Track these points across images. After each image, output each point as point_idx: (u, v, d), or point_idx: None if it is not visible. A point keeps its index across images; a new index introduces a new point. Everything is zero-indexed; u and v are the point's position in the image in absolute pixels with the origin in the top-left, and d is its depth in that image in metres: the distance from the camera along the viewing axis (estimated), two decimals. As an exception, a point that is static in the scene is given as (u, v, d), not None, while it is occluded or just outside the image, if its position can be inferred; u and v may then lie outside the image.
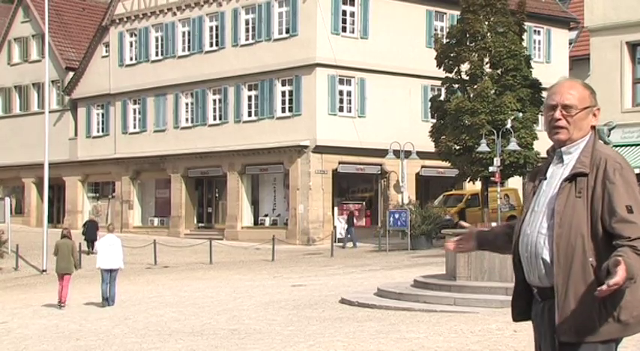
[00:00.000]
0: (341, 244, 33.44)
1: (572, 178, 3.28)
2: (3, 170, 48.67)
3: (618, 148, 21.44)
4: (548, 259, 3.27)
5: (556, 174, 3.37)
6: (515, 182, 36.53)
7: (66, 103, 46.56)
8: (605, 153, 3.31)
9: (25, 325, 14.68)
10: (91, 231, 33.31)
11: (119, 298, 18.18)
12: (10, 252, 29.10)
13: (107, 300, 17.06)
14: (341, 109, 36.54)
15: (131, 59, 43.19)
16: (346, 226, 34.62)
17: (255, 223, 38.69)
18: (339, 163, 36.39)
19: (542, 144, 33.09)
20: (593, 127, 3.41)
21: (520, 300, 3.44)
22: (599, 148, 3.34)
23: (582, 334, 3.18)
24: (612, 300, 3.16)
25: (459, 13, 32.42)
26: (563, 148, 3.37)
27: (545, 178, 3.40)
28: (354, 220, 34.66)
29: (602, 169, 3.25)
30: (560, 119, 3.36)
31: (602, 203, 3.22)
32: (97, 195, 46.25)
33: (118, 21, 43.49)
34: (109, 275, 17.13)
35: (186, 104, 40.94)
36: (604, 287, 3.00)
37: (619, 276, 2.99)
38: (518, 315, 3.48)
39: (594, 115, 3.41)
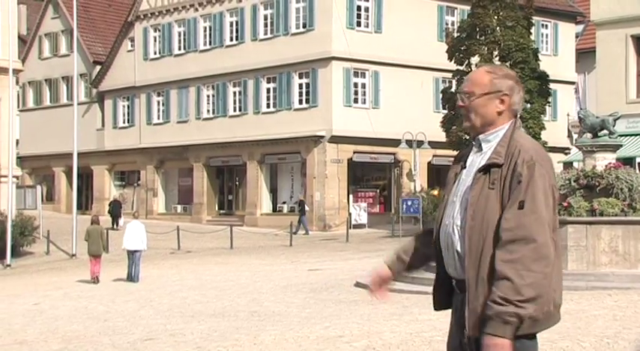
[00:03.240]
0: (293, 231, 32.84)
1: (486, 168, 3.01)
2: (34, 160, 48.95)
3: (623, 137, 21.25)
4: (461, 251, 3.04)
5: (474, 163, 3.12)
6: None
7: (93, 96, 46.72)
8: (520, 143, 3.02)
9: (56, 306, 14.77)
10: (115, 209, 36.80)
11: (145, 281, 18.43)
12: (42, 237, 29.29)
13: (132, 278, 18.55)
14: (356, 100, 36.46)
15: (155, 53, 43.25)
16: (299, 214, 34.09)
17: (274, 209, 38.73)
18: (354, 152, 36.33)
19: (550, 134, 33.02)
20: (514, 115, 3.11)
21: (441, 290, 3.21)
22: (517, 137, 3.05)
23: None
24: None
25: (469, 7, 32.22)
26: (481, 136, 3.11)
27: (465, 167, 3.15)
28: (306, 207, 34.57)
29: (515, 160, 2.98)
30: (461, 106, 3.15)
31: (510, 195, 2.94)
32: (123, 183, 46.44)
33: (142, 17, 43.53)
34: (134, 256, 18.68)
35: (208, 96, 40.98)
36: None
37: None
38: (439, 305, 3.26)
39: (502, 101, 3.09)
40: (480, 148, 3.13)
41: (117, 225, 34.94)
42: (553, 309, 2.97)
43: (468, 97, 3.13)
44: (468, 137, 31.17)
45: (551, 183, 2.99)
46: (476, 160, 3.13)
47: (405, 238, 29.26)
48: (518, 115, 3.23)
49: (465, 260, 3.01)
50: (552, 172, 3.04)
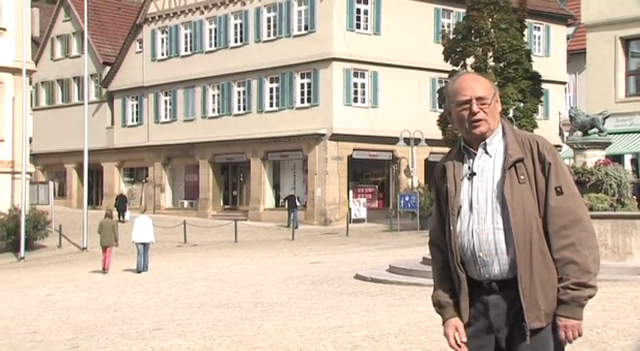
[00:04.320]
0: (289, 225, 32.41)
1: (510, 166, 3.04)
2: (47, 157, 48.98)
3: (612, 135, 21.24)
4: (509, 250, 3.02)
5: (487, 168, 3.10)
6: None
7: (103, 95, 46.73)
8: (529, 136, 3.13)
9: (68, 297, 14.80)
10: (121, 203, 37.39)
11: (153, 273, 18.49)
12: (54, 231, 29.33)
13: (141, 268, 19.21)
14: (355, 100, 36.45)
15: (162, 54, 43.24)
16: (290, 208, 33.87)
17: (277, 205, 38.74)
18: (354, 149, 36.33)
19: (542, 132, 33.07)
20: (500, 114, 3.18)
21: (467, 300, 3.10)
22: (518, 132, 3.15)
23: (551, 316, 3.01)
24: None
25: (464, 10, 32.19)
26: (487, 140, 3.11)
27: (474, 174, 3.10)
28: (297, 203, 34.49)
29: (537, 151, 3.06)
30: (478, 112, 3.08)
31: (546, 184, 3.04)
32: (132, 179, 46.47)
33: (150, 19, 43.51)
34: (143, 247, 19.38)
35: (213, 96, 40.98)
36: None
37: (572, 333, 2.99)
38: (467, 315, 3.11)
39: (497, 101, 3.17)
40: (487, 153, 3.12)
41: (122, 218, 35.15)
42: None
43: (485, 102, 3.11)
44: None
45: None
46: (486, 165, 3.11)
47: (403, 232, 29.32)
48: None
49: (517, 256, 2.99)
50: None
